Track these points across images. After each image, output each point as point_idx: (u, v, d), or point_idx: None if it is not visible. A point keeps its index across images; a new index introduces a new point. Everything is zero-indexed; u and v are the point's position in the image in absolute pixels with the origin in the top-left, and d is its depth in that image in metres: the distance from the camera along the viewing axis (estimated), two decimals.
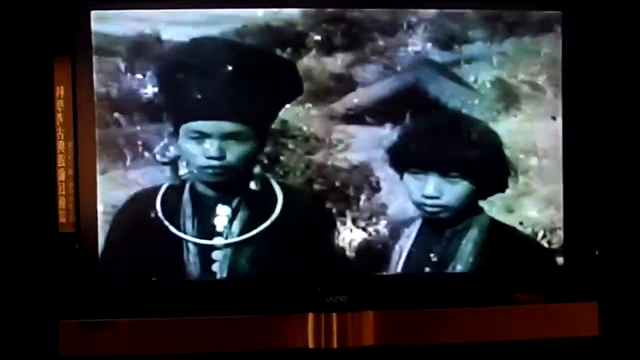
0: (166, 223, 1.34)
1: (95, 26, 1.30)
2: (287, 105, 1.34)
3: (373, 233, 1.36)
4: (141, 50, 1.32)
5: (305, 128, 1.34)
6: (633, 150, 1.42)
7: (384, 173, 1.36)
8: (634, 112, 1.42)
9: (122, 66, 1.31)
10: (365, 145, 1.35)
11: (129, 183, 1.33)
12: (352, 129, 1.35)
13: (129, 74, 1.32)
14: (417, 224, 1.37)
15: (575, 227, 1.38)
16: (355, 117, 1.35)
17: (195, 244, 1.34)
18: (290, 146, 1.35)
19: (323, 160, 1.35)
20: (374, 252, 1.37)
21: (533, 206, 1.38)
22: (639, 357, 1.40)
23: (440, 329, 1.34)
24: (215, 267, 1.35)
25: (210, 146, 1.32)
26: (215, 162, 1.32)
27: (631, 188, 1.42)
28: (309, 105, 1.34)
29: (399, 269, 1.37)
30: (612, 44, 1.40)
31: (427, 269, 1.38)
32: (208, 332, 1.31)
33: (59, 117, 1.32)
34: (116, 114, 1.32)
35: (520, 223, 1.39)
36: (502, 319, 1.35)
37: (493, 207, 1.38)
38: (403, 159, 1.36)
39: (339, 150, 1.35)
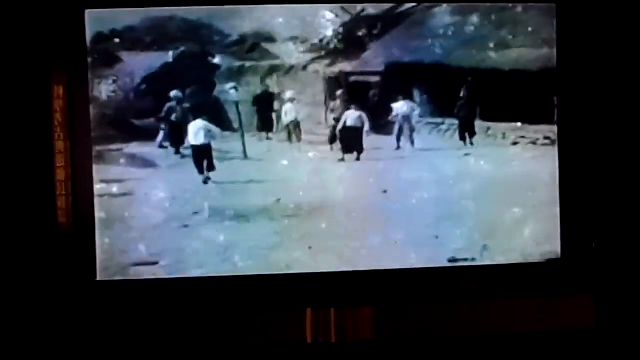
0: None
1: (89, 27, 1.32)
2: None
3: None
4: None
5: None
6: (630, 145, 1.41)
7: None
8: (634, 112, 1.42)
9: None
10: None
11: None
12: None
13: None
14: None
15: (572, 221, 1.39)
16: None
17: None
18: None
19: None
20: None
21: None
22: (633, 348, 1.40)
23: (437, 323, 1.35)
24: None
25: None
26: None
27: (628, 182, 1.41)
28: None
29: None
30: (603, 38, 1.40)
31: None
32: (210, 327, 1.33)
33: (57, 116, 1.32)
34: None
35: None
36: (497, 312, 1.36)
37: None
38: None
39: None
